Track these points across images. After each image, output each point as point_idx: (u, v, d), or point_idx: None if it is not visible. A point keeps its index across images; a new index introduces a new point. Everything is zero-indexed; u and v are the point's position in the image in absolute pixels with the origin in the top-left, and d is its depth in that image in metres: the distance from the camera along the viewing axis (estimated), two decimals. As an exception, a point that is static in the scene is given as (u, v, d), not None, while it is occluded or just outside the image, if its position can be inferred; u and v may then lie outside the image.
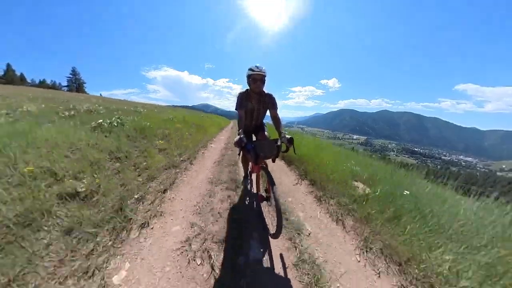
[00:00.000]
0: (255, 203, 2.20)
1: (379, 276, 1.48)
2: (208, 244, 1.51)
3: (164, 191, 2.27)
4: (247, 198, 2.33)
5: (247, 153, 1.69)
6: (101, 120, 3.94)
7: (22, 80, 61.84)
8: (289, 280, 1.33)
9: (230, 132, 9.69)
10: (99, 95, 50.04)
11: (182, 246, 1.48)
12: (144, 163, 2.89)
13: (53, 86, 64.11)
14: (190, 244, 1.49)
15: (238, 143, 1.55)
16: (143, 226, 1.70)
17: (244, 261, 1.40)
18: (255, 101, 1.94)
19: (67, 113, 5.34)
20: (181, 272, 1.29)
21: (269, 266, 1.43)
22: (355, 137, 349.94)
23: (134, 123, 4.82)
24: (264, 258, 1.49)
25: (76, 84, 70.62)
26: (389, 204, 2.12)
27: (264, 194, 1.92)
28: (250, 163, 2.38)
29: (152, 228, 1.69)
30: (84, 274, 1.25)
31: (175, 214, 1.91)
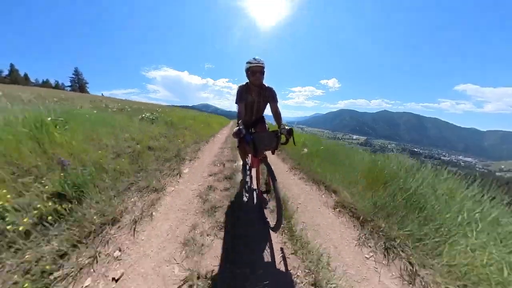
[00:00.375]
0: (255, 198, 2.24)
1: (294, 175, 3.40)
2: (222, 161, 3.52)
3: (197, 151, 4.28)
4: (247, 194, 2.35)
5: (246, 145, 1.68)
6: (143, 115, 5.91)
7: (26, 80, 63.87)
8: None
9: (230, 128, 11.74)
10: (100, 94, 52.07)
11: (211, 163, 3.49)
12: (179, 140, 4.86)
13: (57, 86, 66.30)
14: (215, 162, 3.50)
15: (236, 134, 1.54)
16: (190, 160, 3.69)
17: (236, 165, 3.40)
18: (255, 94, 1.94)
19: (110, 110, 7.30)
20: (212, 168, 3.28)
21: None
22: (354, 137, 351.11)
23: (161, 118, 6.80)
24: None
25: (78, 84, 72.81)
26: (316, 156, 4.06)
27: (264, 187, 1.96)
28: (249, 156, 2.38)
29: (195, 162, 3.67)
30: (171, 170, 3.15)
31: (205, 158, 3.94)
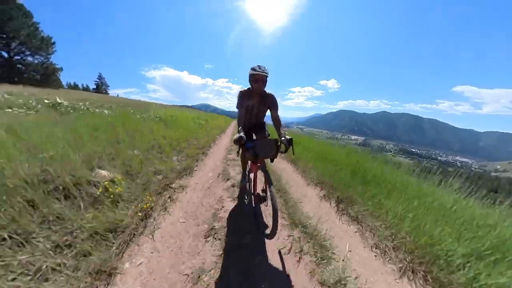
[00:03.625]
0: (253, 202, 2.21)
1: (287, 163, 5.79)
2: (230, 146, 6.01)
3: (219, 134, 6.86)
4: (246, 197, 2.35)
5: (246, 152, 1.68)
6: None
7: (59, 84, 67.07)
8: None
9: (234, 125, 14.39)
10: (116, 95, 54.35)
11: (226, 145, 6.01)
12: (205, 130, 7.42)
13: (84, 89, 70.02)
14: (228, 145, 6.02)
15: (237, 141, 1.52)
16: (215, 140, 6.21)
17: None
18: (256, 100, 1.92)
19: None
20: (225, 146, 5.80)
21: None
22: (353, 137, 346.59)
23: (191, 116, 9.39)
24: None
25: (102, 87, 76.33)
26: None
27: (261, 194, 1.90)
28: (249, 162, 2.33)
29: (218, 143, 6.16)
30: (205, 151, 5.59)
31: (223, 141, 6.44)
